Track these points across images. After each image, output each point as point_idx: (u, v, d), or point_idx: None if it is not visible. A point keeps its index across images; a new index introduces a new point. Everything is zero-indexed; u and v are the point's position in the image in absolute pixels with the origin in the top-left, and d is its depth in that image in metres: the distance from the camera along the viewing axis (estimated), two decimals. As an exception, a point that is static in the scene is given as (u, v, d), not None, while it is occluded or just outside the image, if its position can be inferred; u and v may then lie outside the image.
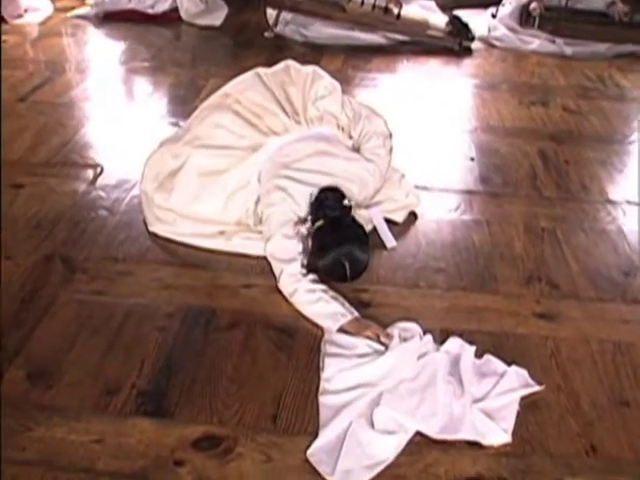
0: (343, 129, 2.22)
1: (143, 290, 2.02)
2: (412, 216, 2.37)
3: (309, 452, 1.52)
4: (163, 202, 2.19)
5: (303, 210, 2.00)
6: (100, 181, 2.55)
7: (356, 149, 2.25)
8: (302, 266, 1.94)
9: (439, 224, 2.36)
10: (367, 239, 2.01)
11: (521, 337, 1.88)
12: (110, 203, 2.42)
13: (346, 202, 2.01)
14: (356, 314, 1.87)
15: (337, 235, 1.96)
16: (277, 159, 2.10)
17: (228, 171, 2.14)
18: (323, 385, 1.69)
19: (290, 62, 2.30)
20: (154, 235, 2.24)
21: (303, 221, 2.00)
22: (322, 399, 1.65)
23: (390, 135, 2.31)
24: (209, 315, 1.93)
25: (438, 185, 2.59)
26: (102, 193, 2.48)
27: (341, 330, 1.83)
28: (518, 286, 2.07)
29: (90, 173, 2.59)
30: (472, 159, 2.80)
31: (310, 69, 2.27)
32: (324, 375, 1.71)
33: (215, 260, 2.15)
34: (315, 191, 2.01)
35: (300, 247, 1.96)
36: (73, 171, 2.59)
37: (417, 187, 2.48)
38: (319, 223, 1.97)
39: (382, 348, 1.77)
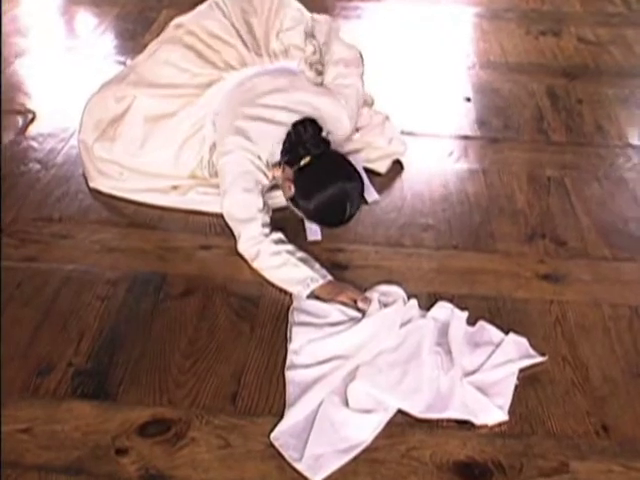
0: (311, 65, 2.17)
1: (83, 254, 1.99)
2: (397, 165, 2.35)
3: (273, 435, 1.51)
4: (105, 153, 2.15)
5: (266, 155, 1.96)
6: (31, 129, 2.50)
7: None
8: (264, 225, 1.91)
9: (428, 174, 2.34)
10: (360, 175, 1.97)
11: (521, 301, 1.87)
12: (44, 155, 2.38)
13: (324, 134, 1.98)
14: (329, 277, 1.85)
15: (331, 171, 1.92)
16: (235, 95, 2.06)
17: (179, 113, 2.09)
18: (291, 358, 1.68)
19: None
20: (96, 191, 2.20)
21: (276, 164, 1.96)
22: (289, 374, 1.64)
23: (361, 58, 2.28)
24: (159, 281, 1.90)
25: (428, 130, 2.56)
26: (34, 143, 2.43)
27: (312, 296, 1.82)
28: (519, 244, 2.06)
29: (19, 120, 2.54)
30: (468, 100, 2.76)
31: None
32: (292, 347, 1.70)
33: (168, 219, 2.12)
34: (282, 132, 1.97)
35: (261, 202, 1.93)
36: (-1, 118, 2.55)
37: (403, 132, 2.44)
38: (305, 160, 1.92)
39: (358, 315, 1.76)
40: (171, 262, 1.97)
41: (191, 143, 2.09)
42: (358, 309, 1.78)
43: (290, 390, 1.61)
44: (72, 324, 1.77)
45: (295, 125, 1.97)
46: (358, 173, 1.96)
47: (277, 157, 1.98)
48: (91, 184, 2.21)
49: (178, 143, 2.10)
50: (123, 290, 1.87)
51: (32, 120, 2.55)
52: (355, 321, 1.74)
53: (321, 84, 2.19)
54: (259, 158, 1.95)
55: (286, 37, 2.18)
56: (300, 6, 2.28)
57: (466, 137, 2.53)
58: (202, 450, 1.50)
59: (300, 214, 1.98)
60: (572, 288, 1.92)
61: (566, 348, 1.75)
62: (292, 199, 1.96)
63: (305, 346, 1.69)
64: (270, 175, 1.98)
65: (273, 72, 2.11)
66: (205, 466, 1.47)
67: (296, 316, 1.78)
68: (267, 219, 1.94)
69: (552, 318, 1.83)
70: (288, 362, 1.67)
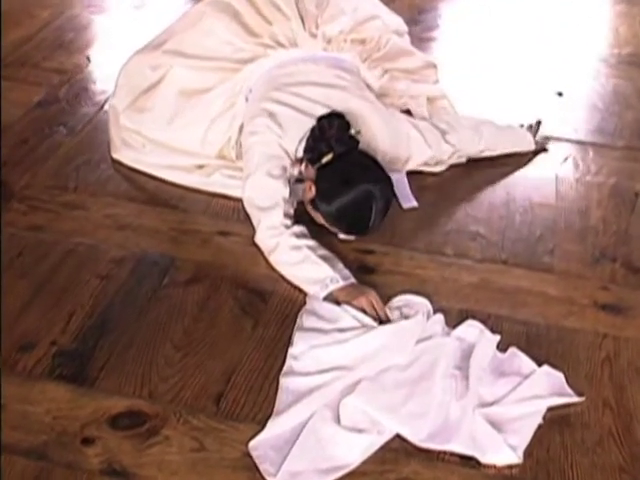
0: (367, 58, 2.25)
1: (92, 228, 2.14)
2: (456, 165, 2.37)
3: (252, 444, 1.58)
4: (130, 123, 2.29)
5: (293, 145, 2.04)
6: (66, 89, 2.69)
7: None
8: (286, 216, 1.99)
9: (492, 177, 2.36)
10: (389, 178, 2.03)
11: (569, 331, 1.87)
12: (73, 118, 2.55)
13: (352, 132, 2.05)
14: (352, 280, 1.91)
15: (355, 171, 1.98)
16: (274, 76, 2.15)
17: (215, 89, 2.21)
18: (289, 364, 1.75)
19: None
20: (118, 163, 2.35)
21: (299, 160, 2.04)
22: (284, 381, 1.71)
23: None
24: (167, 265, 2.02)
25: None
26: (65, 105, 2.61)
27: (330, 298, 1.89)
28: (581, 265, 2.07)
29: (55, 79, 2.73)
30: (560, 94, 2.76)
31: None
32: (292, 351, 1.77)
33: (190, 199, 2.24)
34: (312, 123, 2.04)
35: (286, 192, 2.01)
36: (33, 75, 2.74)
37: (473, 126, 2.48)
38: (327, 157, 2.00)
39: (373, 323, 1.81)
40: (184, 246, 2.09)
41: (221, 121, 2.20)
42: (376, 317, 1.83)
43: (282, 398, 1.68)
44: (65, 301, 1.91)
45: (319, 119, 2.04)
46: (387, 176, 2.01)
47: (301, 152, 2.06)
48: (114, 154, 2.35)
49: (210, 119, 2.21)
50: (126, 270, 2.00)
51: (68, 80, 2.73)
52: (367, 329, 1.79)
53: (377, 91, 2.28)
54: (287, 144, 2.03)
55: (360, 29, 2.29)
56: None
57: (546, 137, 2.52)
58: (173, 451, 1.59)
59: (320, 220, 2.05)
60: (634, 323, 1.91)
61: (611, 391, 1.74)
62: (312, 201, 2.03)
63: (307, 352, 1.76)
64: (296, 167, 2.06)
65: (322, 62, 2.20)
66: (172, 468, 1.56)
67: (305, 319, 1.85)
68: (290, 210, 2.02)
69: (601, 355, 1.83)
70: (285, 367, 1.74)
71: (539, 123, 2.48)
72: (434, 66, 2.47)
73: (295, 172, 2.05)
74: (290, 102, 2.08)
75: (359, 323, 1.82)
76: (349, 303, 1.87)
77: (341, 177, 1.97)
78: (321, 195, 2.00)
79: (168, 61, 2.27)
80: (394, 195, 2.14)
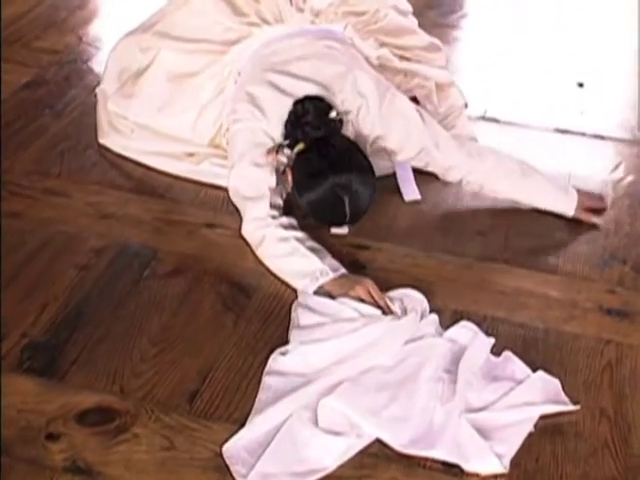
0: (361, 30, 2.28)
1: (73, 217, 2.18)
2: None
3: (226, 445, 1.61)
4: (118, 108, 2.35)
5: (278, 130, 2.07)
6: (55, 70, 2.74)
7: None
8: (273, 206, 2.02)
9: (501, 171, 2.37)
10: (369, 165, 2.04)
11: (569, 336, 1.89)
12: (61, 101, 2.61)
13: (333, 115, 2.06)
14: (342, 271, 1.94)
15: (328, 160, 2.00)
16: (259, 57, 2.19)
17: (203, 72, 2.26)
18: (276, 361, 1.77)
19: None
20: (105, 149, 2.40)
21: (278, 148, 2.07)
22: (267, 379, 1.73)
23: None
24: (148, 257, 2.06)
25: (517, 117, 2.60)
26: (54, 87, 2.66)
27: (320, 292, 1.91)
28: (589, 267, 2.08)
29: (45, 59, 2.78)
30: (581, 85, 2.78)
31: None
32: (281, 348, 1.79)
33: (177, 189, 2.29)
34: (290, 104, 2.07)
35: (273, 181, 2.04)
36: (22, 54, 2.80)
37: (485, 118, 2.53)
38: (299, 147, 2.03)
39: (376, 312, 1.84)
40: (168, 237, 2.13)
41: (212, 108, 2.25)
42: (375, 306, 1.86)
43: (262, 397, 1.70)
44: (39, 292, 1.95)
45: (295, 104, 2.06)
46: (367, 163, 2.02)
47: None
48: (101, 140, 2.40)
49: (200, 106, 2.26)
50: (105, 261, 2.04)
51: (58, 61, 2.79)
52: (366, 322, 1.80)
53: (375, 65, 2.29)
54: (271, 131, 2.07)
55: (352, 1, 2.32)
56: None
57: (563, 131, 2.55)
58: (141, 449, 1.62)
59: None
60: (640, 329, 1.93)
61: (610, 400, 1.76)
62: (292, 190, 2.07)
63: (295, 349, 1.78)
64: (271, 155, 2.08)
65: (309, 35, 2.22)
66: (140, 467, 1.60)
67: (300, 315, 1.87)
68: (279, 201, 2.06)
69: (603, 361, 1.84)
70: (270, 365, 1.76)
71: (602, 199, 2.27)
72: (440, 49, 2.47)
73: (284, 159, 2.08)
74: (277, 82, 2.10)
75: (359, 314, 1.85)
76: (346, 295, 1.89)
77: (311, 169, 2.00)
78: (295, 186, 2.04)
79: (157, 44, 2.32)
80: (397, 187, 2.19)
